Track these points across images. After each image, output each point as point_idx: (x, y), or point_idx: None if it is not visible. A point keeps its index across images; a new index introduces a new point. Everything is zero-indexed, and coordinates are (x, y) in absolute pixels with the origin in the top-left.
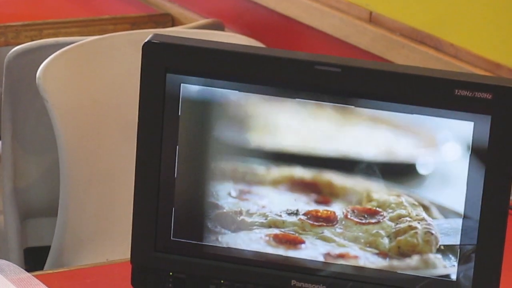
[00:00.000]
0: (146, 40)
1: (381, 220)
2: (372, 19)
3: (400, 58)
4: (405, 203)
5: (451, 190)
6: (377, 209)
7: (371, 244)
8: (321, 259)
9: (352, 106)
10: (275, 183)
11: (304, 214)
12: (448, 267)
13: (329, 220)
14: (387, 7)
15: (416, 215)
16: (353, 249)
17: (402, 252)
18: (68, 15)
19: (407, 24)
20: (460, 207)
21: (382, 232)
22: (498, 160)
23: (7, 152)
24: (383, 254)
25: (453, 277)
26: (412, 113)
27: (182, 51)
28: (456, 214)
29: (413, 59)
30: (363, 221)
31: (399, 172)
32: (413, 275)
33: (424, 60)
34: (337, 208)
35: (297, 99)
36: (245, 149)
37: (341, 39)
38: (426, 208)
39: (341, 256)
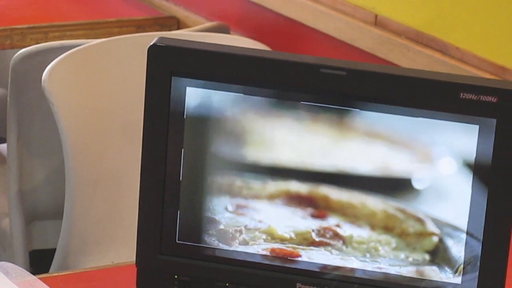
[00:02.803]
0: (151, 43)
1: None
2: (377, 22)
3: (406, 61)
4: (402, 216)
5: (452, 201)
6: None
7: (371, 255)
8: (317, 272)
9: (357, 109)
10: (272, 197)
11: (313, 231)
12: (445, 279)
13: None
14: (392, 10)
15: (414, 227)
16: (350, 262)
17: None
18: (74, 17)
19: (412, 27)
20: (462, 219)
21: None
22: (503, 164)
23: (12, 154)
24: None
25: None
26: (417, 116)
27: (188, 54)
28: (456, 227)
29: (419, 62)
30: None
31: (395, 186)
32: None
33: (430, 63)
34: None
35: (301, 102)
36: (242, 163)
37: (346, 42)
38: (422, 222)
39: (337, 269)
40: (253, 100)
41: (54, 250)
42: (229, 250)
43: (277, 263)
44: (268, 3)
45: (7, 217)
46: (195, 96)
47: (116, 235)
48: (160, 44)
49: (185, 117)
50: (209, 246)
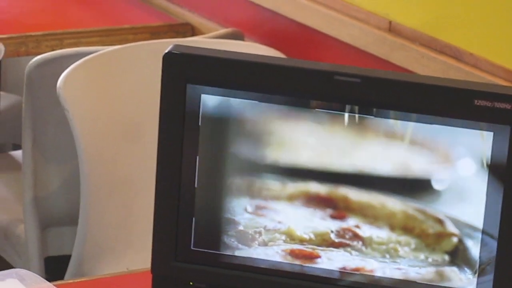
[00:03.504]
0: (166, 51)
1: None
2: (391, 28)
3: (420, 67)
4: (422, 217)
5: (469, 203)
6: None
7: (390, 255)
8: (337, 273)
9: (372, 117)
10: (291, 198)
11: (332, 232)
12: (464, 280)
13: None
14: (406, 16)
15: (434, 228)
16: (370, 263)
17: (419, 263)
18: (89, 24)
19: (426, 34)
20: (479, 221)
21: (399, 245)
22: None
23: (27, 161)
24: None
25: None
26: (431, 123)
27: (203, 62)
28: (474, 227)
29: (433, 68)
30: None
31: (414, 187)
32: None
33: (444, 70)
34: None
35: (316, 110)
36: (261, 164)
37: (360, 48)
38: (441, 222)
39: (357, 270)
40: (268, 106)
41: (69, 257)
42: (248, 253)
43: (296, 263)
44: (281, 9)
45: (22, 224)
46: (210, 103)
47: (131, 241)
48: (175, 52)
49: (200, 124)
50: (224, 253)
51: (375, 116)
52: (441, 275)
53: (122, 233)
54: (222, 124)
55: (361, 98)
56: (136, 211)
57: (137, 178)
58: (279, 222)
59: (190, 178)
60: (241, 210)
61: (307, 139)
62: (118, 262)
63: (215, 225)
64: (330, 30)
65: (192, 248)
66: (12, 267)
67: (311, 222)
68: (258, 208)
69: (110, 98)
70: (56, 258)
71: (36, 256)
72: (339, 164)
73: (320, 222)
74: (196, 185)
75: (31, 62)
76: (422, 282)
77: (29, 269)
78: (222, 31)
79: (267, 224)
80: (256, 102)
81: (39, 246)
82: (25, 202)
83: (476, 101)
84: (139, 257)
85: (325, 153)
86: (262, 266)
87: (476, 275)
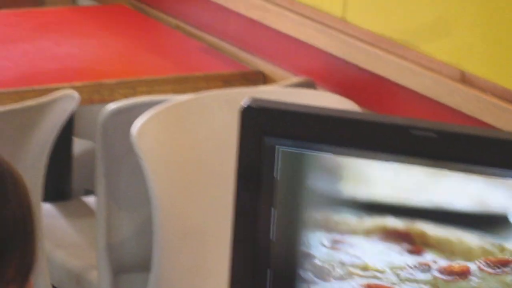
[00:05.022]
0: (244, 105)
1: None
2: (464, 78)
3: (492, 118)
4: (500, 252)
5: None
6: (510, 258)
7: None
8: None
9: (446, 170)
10: (368, 232)
11: (437, 270)
12: None
13: (463, 274)
14: (479, 66)
15: None
16: None
17: None
18: (161, 71)
19: (499, 84)
20: None
21: None
22: None
23: (101, 208)
24: None
25: None
26: (506, 177)
27: (279, 115)
28: None
29: (506, 119)
30: (498, 272)
31: (492, 222)
32: None
33: None
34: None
35: (390, 162)
36: (338, 199)
37: (432, 98)
38: None
39: None
40: (343, 158)
41: None
42: (324, 287)
43: None
44: (352, 58)
45: (94, 270)
46: (285, 154)
47: None
48: (253, 107)
49: (275, 175)
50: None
51: (450, 170)
52: None
53: (195, 280)
54: (296, 172)
55: (437, 152)
56: (209, 258)
57: (209, 226)
58: (356, 256)
59: (266, 230)
60: (317, 244)
61: (384, 174)
62: None
63: (292, 270)
64: (402, 80)
65: None
66: None
67: (388, 256)
68: (334, 242)
69: (183, 147)
70: None
71: None
72: (416, 199)
73: (397, 257)
74: (271, 237)
75: (105, 111)
76: None
77: None
78: (294, 80)
79: (344, 258)
80: (331, 154)
81: None
82: (99, 248)
83: None
84: None
85: (403, 188)
86: None
87: None
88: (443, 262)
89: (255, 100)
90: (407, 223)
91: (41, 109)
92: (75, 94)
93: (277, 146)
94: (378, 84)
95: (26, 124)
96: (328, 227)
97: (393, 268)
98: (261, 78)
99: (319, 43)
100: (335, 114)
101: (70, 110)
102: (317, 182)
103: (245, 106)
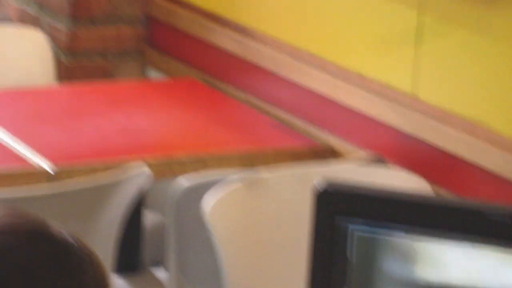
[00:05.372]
0: (319, 189)
1: None
2: None
3: None
4: None
5: None
6: None
7: None
8: None
9: None
10: None
11: None
12: None
13: None
14: None
15: None
16: None
17: None
18: (230, 145)
19: None
20: None
21: None
22: None
23: (172, 282)
24: None
25: None
26: None
27: (353, 198)
28: None
29: None
30: None
31: None
32: None
33: None
34: None
35: (464, 244)
36: (412, 282)
37: (505, 177)
38: None
39: None
40: (416, 239)
41: None
42: None
43: None
44: (423, 134)
45: None
46: (357, 234)
47: None
48: (327, 190)
49: (347, 254)
50: None
51: None
52: None
53: None
54: (368, 253)
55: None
56: None
57: None
58: None
59: None
60: None
61: (456, 258)
62: None
63: None
64: (473, 158)
65: None
66: None
67: None
68: None
69: (254, 223)
70: None
71: None
72: (489, 284)
73: None
74: None
75: (177, 188)
76: None
77: None
78: (364, 154)
79: None
80: (405, 238)
81: None
82: None
83: None
84: None
85: (476, 272)
86: None
87: None
88: None
89: (329, 183)
90: None
91: (114, 186)
92: (148, 171)
93: (350, 227)
94: (449, 161)
95: (99, 201)
96: None
97: None
98: (330, 153)
99: (388, 119)
100: (407, 197)
101: (142, 187)
102: (390, 265)
103: (320, 189)
